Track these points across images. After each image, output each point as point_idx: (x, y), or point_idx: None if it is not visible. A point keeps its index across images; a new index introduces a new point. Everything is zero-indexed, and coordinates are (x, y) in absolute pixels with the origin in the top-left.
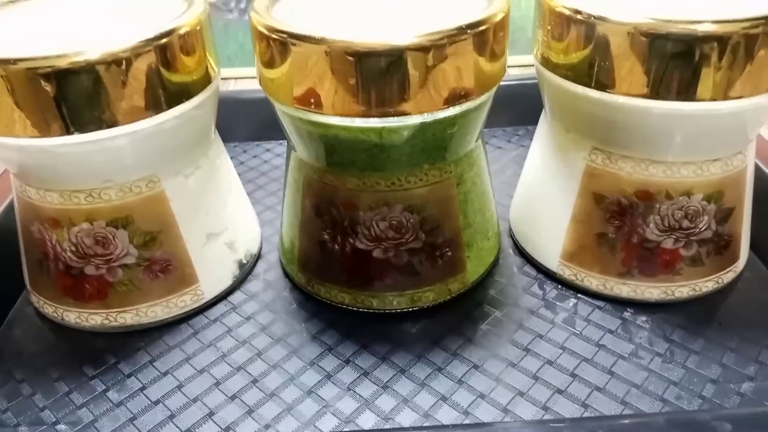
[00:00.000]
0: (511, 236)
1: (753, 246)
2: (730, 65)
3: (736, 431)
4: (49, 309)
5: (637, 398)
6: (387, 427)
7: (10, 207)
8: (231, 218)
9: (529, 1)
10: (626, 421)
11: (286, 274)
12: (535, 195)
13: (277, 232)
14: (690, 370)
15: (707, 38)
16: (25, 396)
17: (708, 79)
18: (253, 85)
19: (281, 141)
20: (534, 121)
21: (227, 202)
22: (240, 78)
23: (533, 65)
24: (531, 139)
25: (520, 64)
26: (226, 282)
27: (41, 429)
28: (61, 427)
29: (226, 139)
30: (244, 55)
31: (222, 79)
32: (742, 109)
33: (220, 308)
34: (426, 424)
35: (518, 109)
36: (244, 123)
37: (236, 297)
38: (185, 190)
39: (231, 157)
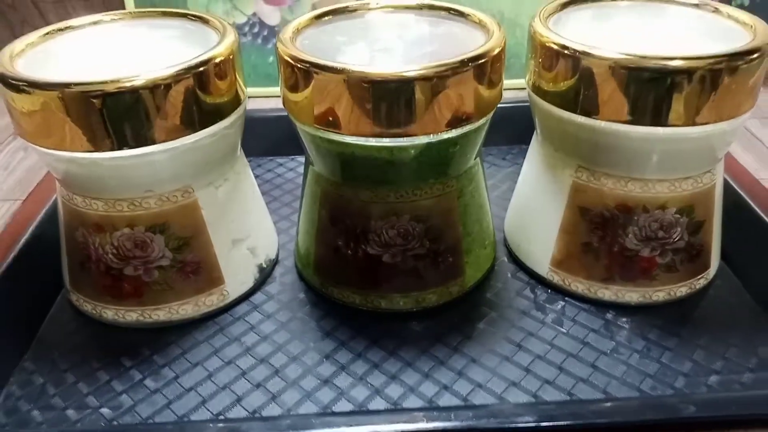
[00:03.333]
0: (506, 245)
1: (724, 256)
2: (697, 95)
3: (698, 413)
4: (88, 306)
5: (617, 388)
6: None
7: (47, 217)
8: (253, 226)
9: (523, 30)
10: (606, 405)
11: (302, 278)
12: (527, 208)
13: (291, 239)
14: (664, 365)
15: (678, 72)
16: (70, 383)
17: (679, 107)
18: (266, 104)
19: (293, 156)
20: (527, 140)
21: (250, 211)
22: (253, 97)
23: (526, 89)
24: (524, 158)
25: (514, 87)
26: (249, 283)
27: (87, 412)
28: (105, 410)
29: None
30: (256, 76)
31: None
32: (708, 133)
33: (243, 307)
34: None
35: (513, 130)
36: (259, 139)
37: (257, 297)
38: (215, 200)
39: None
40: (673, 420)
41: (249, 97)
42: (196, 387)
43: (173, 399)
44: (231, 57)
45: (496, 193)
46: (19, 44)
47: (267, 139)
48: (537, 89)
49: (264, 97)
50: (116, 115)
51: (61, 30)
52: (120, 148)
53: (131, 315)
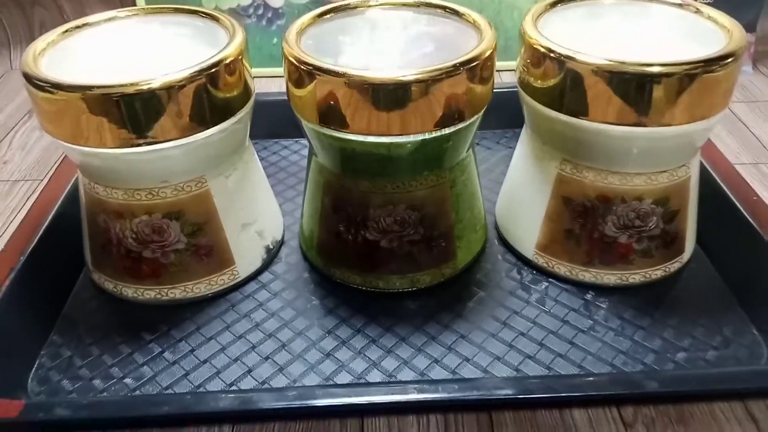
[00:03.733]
0: (496, 228)
1: (700, 240)
2: (675, 98)
3: (661, 388)
4: (109, 285)
5: (592, 364)
6: (392, 380)
7: (69, 198)
8: (260, 210)
9: (521, 12)
10: (579, 380)
11: (306, 258)
12: (516, 195)
13: (296, 221)
14: (636, 342)
15: (656, 77)
16: (95, 356)
17: (657, 109)
18: (270, 86)
19: (297, 139)
20: (520, 124)
21: (257, 197)
22: (257, 77)
23: None
24: (517, 142)
25: (511, 69)
26: (257, 264)
27: (112, 382)
28: (128, 380)
29: None
30: (261, 56)
31: None
32: (684, 132)
33: (252, 286)
34: (421, 379)
35: (507, 114)
36: (264, 122)
37: (265, 277)
38: (226, 188)
39: None
40: (638, 394)
41: (253, 78)
42: (211, 359)
43: (190, 370)
44: (240, 57)
45: (490, 176)
46: (41, 43)
47: (272, 122)
48: (525, 86)
49: (268, 77)
50: (134, 114)
51: (78, 27)
52: (138, 145)
53: (149, 293)
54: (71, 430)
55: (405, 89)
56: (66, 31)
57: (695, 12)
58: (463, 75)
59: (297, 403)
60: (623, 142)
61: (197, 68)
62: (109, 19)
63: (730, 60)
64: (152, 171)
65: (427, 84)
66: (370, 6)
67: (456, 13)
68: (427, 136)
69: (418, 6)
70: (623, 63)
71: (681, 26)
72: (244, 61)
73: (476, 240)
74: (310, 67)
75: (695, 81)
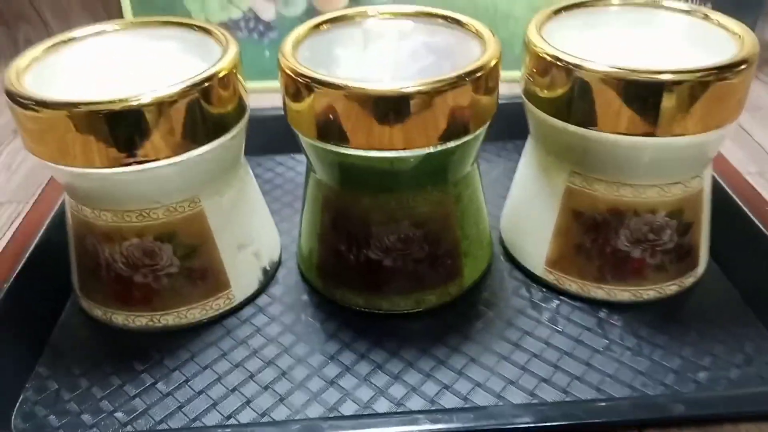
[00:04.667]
0: (502, 244)
1: (713, 254)
2: (686, 107)
3: (687, 412)
4: (98, 312)
5: (610, 386)
6: (400, 411)
7: (55, 222)
8: (256, 230)
9: (516, 22)
10: (601, 405)
11: (305, 280)
12: (522, 209)
13: (294, 241)
14: (655, 362)
15: (666, 85)
16: (84, 388)
17: (668, 118)
18: (262, 101)
19: (292, 154)
20: (522, 135)
21: (253, 216)
22: (249, 92)
23: (519, 82)
24: (520, 153)
25: (507, 80)
26: (253, 287)
27: (102, 416)
28: (119, 414)
29: None
30: (252, 70)
31: None
32: (697, 142)
33: (249, 310)
34: (433, 408)
35: (508, 125)
36: (258, 138)
37: (262, 300)
38: (221, 208)
39: None
40: (664, 419)
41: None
42: (207, 390)
43: (184, 402)
44: (234, 71)
45: (493, 189)
46: (24, 60)
47: (266, 137)
48: (531, 96)
49: (260, 92)
50: (123, 132)
51: (64, 42)
52: (127, 164)
53: (141, 320)
54: None
55: (407, 101)
56: (51, 46)
57: (704, 18)
58: (467, 86)
59: None
60: (634, 153)
61: (189, 83)
62: (96, 33)
63: (743, 67)
64: (143, 191)
65: (430, 96)
66: (368, 16)
67: (457, 22)
68: (431, 150)
69: (418, 15)
70: (633, 71)
71: (690, 33)
72: (238, 75)
73: (482, 257)
74: (308, 80)
75: (708, 89)
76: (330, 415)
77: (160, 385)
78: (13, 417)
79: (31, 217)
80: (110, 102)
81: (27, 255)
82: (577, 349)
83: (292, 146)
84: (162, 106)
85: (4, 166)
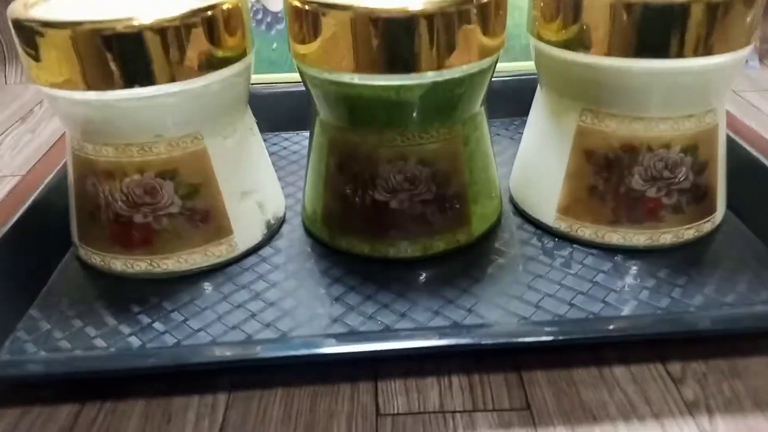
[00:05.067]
0: (511, 201)
1: (731, 206)
2: (697, 27)
3: (713, 326)
4: (96, 259)
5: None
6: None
7: (54, 181)
8: (261, 181)
9: (521, 12)
10: (620, 321)
11: (309, 234)
12: (532, 159)
13: (298, 202)
14: (675, 299)
15: (677, 3)
16: (78, 328)
17: (679, 39)
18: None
19: (298, 131)
20: (528, 113)
21: (258, 166)
22: (256, 84)
23: (526, 70)
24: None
25: (515, 70)
26: (257, 237)
27: (95, 352)
28: (113, 351)
29: None
30: (260, 62)
31: None
32: (708, 66)
33: (252, 259)
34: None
35: (514, 102)
36: (265, 116)
37: (266, 251)
38: (224, 149)
39: None
40: (689, 333)
41: (252, 84)
42: (206, 328)
43: (182, 339)
44: (239, 6)
45: (500, 159)
46: None
47: (273, 115)
48: (541, 36)
49: (268, 83)
50: (126, 53)
51: None
52: (130, 87)
53: (140, 264)
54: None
55: (413, 22)
56: None
57: None
58: (474, 9)
59: (304, 352)
60: (646, 79)
61: (193, 8)
62: None
63: None
64: (145, 121)
65: (436, 17)
66: None
67: None
68: (437, 78)
69: None
70: None
71: None
72: (243, 13)
73: (492, 208)
74: (315, 4)
75: (719, 8)
76: None
77: (156, 325)
78: (1, 354)
79: (33, 174)
80: (114, 21)
81: (25, 207)
82: (592, 289)
83: (299, 123)
84: (164, 28)
85: (9, 147)
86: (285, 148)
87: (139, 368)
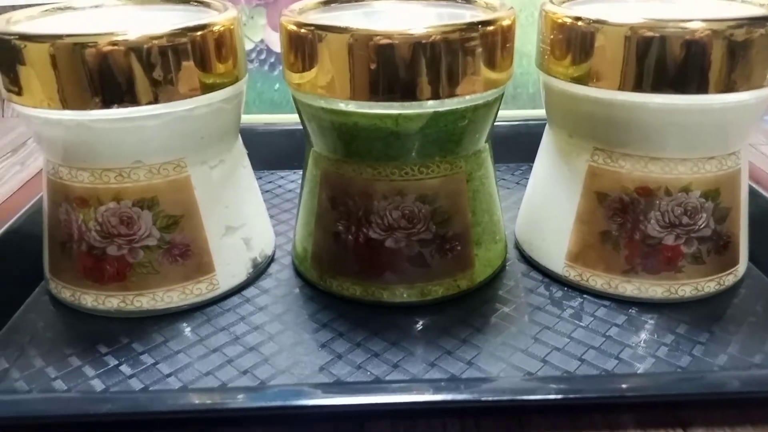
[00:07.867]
0: (517, 248)
1: (753, 259)
2: (716, 61)
3: (743, 388)
4: (66, 293)
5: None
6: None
7: (31, 212)
8: (248, 216)
9: (529, 59)
10: (638, 379)
11: (299, 274)
12: (540, 202)
13: (289, 241)
14: (696, 358)
15: (696, 35)
16: (38, 368)
17: (696, 73)
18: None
19: (294, 170)
20: (533, 159)
21: (246, 200)
22: (257, 122)
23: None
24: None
25: (522, 118)
26: (241, 276)
27: (53, 395)
28: (70, 394)
29: None
30: (261, 102)
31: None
32: (728, 105)
33: (234, 300)
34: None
35: (519, 148)
36: (260, 152)
37: (250, 291)
38: (209, 180)
39: None
40: (716, 395)
41: (251, 123)
42: (177, 373)
43: (150, 384)
44: (231, 28)
45: (504, 204)
46: (18, 15)
47: (269, 152)
48: (549, 70)
49: (270, 124)
50: (105, 70)
51: (61, 9)
52: (108, 107)
53: (112, 301)
54: None
55: (414, 47)
56: (48, 10)
57: None
58: (479, 38)
59: (282, 403)
60: (662, 117)
61: (180, 27)
62: (96, 6)
63: None
64: (124, 145)
65: (438, 42)
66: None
67: (469, 1)
68: (439, 108)
69: None
70: (660, 21)
71: (715, 9)
72: (234, 37)
73: (496, 252)
74: (311, 27)
75: (742, 41)
76: None
77: (123, 368)
78: None
79: (6, 206)
80: (96, 35)
81: None
82: (604, 344)
83: (295, 161)
84: (150, 47)
85: None
86: (280, 186)
87: (94, 415)
